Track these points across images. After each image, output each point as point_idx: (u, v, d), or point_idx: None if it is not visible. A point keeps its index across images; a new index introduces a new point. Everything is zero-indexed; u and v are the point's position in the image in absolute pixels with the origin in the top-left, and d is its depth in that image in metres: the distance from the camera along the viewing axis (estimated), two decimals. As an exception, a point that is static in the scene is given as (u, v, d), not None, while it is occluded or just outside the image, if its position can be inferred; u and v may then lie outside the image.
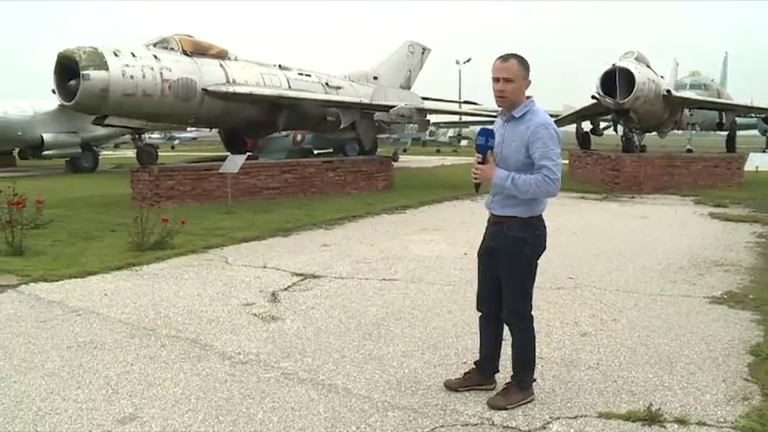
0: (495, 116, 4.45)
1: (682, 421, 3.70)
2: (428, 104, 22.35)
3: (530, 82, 3.85)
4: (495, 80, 3.81)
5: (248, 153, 16.46)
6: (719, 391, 4.13)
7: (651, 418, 3.70)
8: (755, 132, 38.88)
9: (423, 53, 25.63)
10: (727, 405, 3.93)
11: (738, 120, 28.72)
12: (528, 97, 3.88)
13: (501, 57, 3.83)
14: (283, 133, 20.42)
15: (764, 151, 27.97)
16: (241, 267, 7.88)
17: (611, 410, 3.83)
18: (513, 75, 3.77)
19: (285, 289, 6.82)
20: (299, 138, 24.60)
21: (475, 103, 30.29)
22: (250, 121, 17.10)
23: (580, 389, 4.18)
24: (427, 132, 43.10)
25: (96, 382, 4.34)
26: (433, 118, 27.54)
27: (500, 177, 3.78)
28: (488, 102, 25.27)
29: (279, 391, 4.17)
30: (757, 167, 18.51)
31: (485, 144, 3.82)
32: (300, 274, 7.45)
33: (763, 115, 31.85)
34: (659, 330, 5.38)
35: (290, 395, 4.10)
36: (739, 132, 30.99)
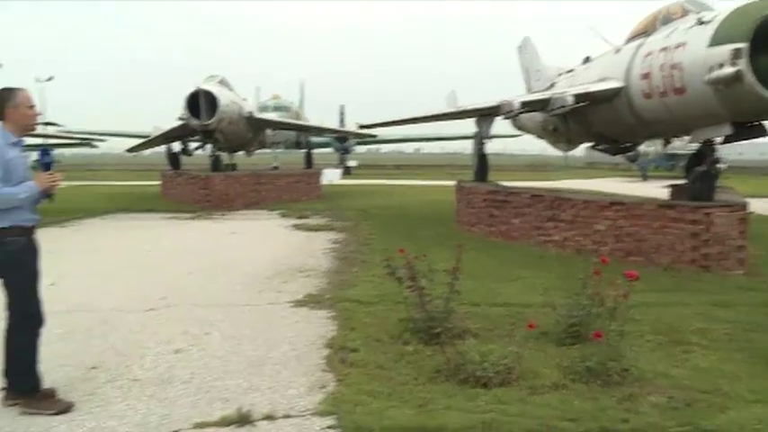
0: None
1: (270, 417, 4.02)
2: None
3: None
4: (33, 107, 4.19)
5: None
6: (301, 385, 4.58)
7: (242, 419, 3.95)
8: (331, 150, 43.44)
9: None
10: (308, 395, 4.38)
11: (315, 139, 31.98)
12: None
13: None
14: None
15: (337, 167, 31.45)
16: None
17: (205, 420, 3.97)
18: None
19: None
20: None
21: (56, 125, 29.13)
22: None
23: (175, 404, 4.24)
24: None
25: None
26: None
27: None
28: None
29: None
30: (331, 181, 20.91)
31: None
32: None
33: (334, 135, 35.85)
34: (248, 338, 5.72)
35: None
36: (318, 150, 34.45)
